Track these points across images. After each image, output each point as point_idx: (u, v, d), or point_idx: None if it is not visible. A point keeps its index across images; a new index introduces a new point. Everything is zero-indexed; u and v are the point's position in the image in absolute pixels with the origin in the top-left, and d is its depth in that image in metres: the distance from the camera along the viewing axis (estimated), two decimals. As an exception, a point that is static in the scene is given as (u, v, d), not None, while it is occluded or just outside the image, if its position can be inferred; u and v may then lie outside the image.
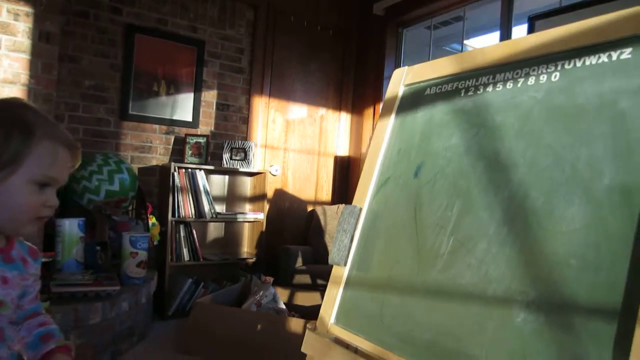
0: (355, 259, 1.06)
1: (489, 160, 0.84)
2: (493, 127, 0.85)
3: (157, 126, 3.08)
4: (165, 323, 2.84)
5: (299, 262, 3.17)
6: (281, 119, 3.59)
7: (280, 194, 3.60)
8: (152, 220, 2.87)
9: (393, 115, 1.12)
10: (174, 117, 3.13)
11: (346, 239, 1.07)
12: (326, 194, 3.81)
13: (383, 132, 1.12)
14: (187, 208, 2.97)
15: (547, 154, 0.74)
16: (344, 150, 3.86)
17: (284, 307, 2.53)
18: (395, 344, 0.88)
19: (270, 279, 2.62)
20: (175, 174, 2.90)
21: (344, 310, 1.03)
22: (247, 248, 3.42)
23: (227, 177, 3.35)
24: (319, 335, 0.96)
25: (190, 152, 3.09)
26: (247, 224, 3.42)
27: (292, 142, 3.64)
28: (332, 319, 1.04)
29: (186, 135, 3.10)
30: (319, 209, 3.55)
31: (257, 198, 3.36)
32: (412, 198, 0.98)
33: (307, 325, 1.05)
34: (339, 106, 3.85)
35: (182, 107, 3.17)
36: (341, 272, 1.07)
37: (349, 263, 1.06)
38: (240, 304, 2.63)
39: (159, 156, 3.10)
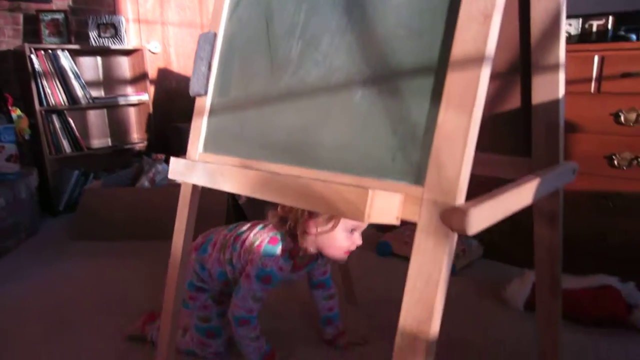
0: (215, 86, 1.03)
1: (327, -49, 0.82)
2: None
3: (-2, 3, 2.65)
4: (56, 219, 2.73)
5: (193, 141, 3.10)
6: (152, -11, 3.25)
7: (164, 73, 3.38)
8: (17, 112, 2.59)
9: None
10: (19, -9, 2.70)
11: (203, 66, 1.03)
12: (214, 70, 3.65)
13: (230, -51, 1.04)
14: (56, 95, 2.70)
15: None
16: (227, 22, 3.63)
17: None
18: (256, 152, 0.90)
19: (162, 156, 2.55)
20: (33, 57, 2.57)
21: (210, 138, 1.03)
22: (136, 133, 3.27)
23: (99, 58, 3.05)
24: (185, 160, 0.96)
25: (47, 31, 2.73)
26: (132, 108, 3.22)
27: (170, 14, 3.35)
28: (200, 149, 1.04)
29: (37, 11, 2.71)
30: (208, 86, 3.41)
31: (139, 79, 3.14)
32: (263, 12, 0.95)
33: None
34: (215, -28, 3.54)
35: (28, -21, 2.73)
36: (203, 102, 1.04)
37: (210, 91, 1.04)
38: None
39: (8, 39, 2.70)
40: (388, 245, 2.02)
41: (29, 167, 2.59)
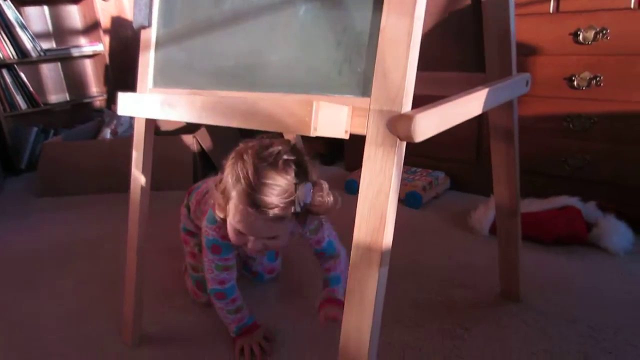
0: (159, 16, 0.98)
1: None
2: None
3: None
4: (19, 177, 2.65)
5: (156, 91, 3.00)
6: None
7: (118, 22, 3.22)
8: (-37, 67, 2.46)
9: None
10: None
11: (145, -5, 0.98)
12: (172, 17, 3.48)
13: None
14: (3, 48, 2.55)
15: None
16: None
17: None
18: (205, 81, 0.87)
19: (122, 107, 2.46)
20: (-27, 6, 2.41)
21: (158, 72, 0.99)
22: (95, 87, 3.14)
23: (46, 7, 2.87)
24: (132, 94, 0.93)
25: (-16, -22, 2.55)
26: (87, 60, 3.07)
27: (118, -43, 3.15)
28: (150, 85, 1.00)
29: (-28, -44, 2.51)
30: (166, 33, 3.27)
31: (91, 28, 2.98)
32: None
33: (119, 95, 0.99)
34: None
35: None
36: (149, 35, 1.00)
37: (154, 23, 0.99)
38: (96, 139, 2.49)
39: (-56, -12, 2.52)
40: (355, 184, 2.04)
41: (-17, 126, 2.49)
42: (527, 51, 1.61)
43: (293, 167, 0.88)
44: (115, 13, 3.18)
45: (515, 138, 1.00)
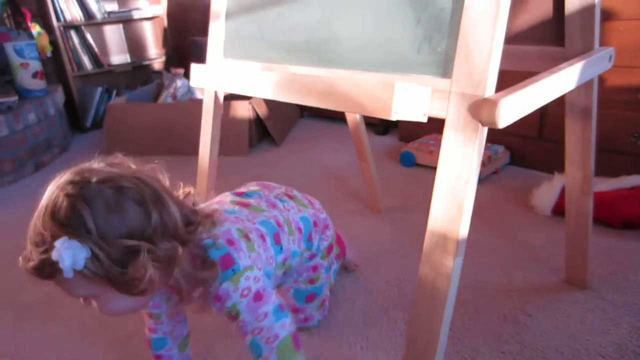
0: (230, -15, 0.98)
1: None
2: None
3: None
4: (86, 135, 2.79)
5: (212, 54, 3.04)
6: None
7: (177, -17, 3.24)
8: (37, 28, 2.56)
9: None
10: None
11: (216, -36, 0.98)
12: (229, -22, 3.46)
13: None
14: (71, 10, 2.64)
15: None
16: None
17: (201, 96, 2.49)
18: (277, 55, 0.87)
19: (181, 70, 2.51)
20: (43, -31, 2.49)
21: (229, 43, 1.00)
22: (154, 49, 3.21)
23: (109, -31, 2.93)
24: (205, 66, 0.94)
25: (53, -59, 2.61)
26: (147, 23, 3.13)
27: None
28: (220, 55, 1.01)
29: None
30: (223, -5, 3.26)
31: (151, -10, 3.02)
32: None
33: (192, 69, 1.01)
34: None
35: None
36: (220, 5, 1.00)
37: (225, -7, 0.99)
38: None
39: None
40: (411, 156, 2.01)
41: (53, 85, 2.61)
42: (602, 16, 1.49)
43: (64, 209, 0.59)
44: (174, -26, 3.20)
45: (594, 117, 0.95)
